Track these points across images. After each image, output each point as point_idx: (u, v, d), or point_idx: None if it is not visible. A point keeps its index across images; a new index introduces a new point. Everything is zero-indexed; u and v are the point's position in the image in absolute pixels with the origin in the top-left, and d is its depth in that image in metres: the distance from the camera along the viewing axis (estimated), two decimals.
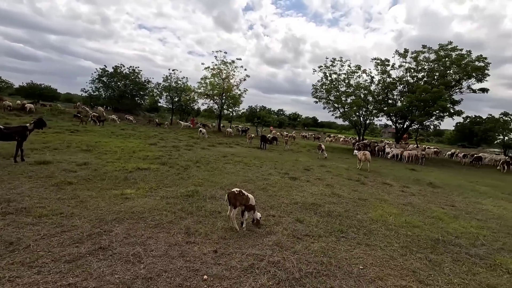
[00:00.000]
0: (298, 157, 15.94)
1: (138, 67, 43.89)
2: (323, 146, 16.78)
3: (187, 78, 37.04)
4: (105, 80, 42.15)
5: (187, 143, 16.82)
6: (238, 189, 4.56)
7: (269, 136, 22.89)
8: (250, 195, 4.71)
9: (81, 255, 3.31)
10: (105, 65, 43.96)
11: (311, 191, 7.77)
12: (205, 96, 32.73)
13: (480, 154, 22.55)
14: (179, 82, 36.45)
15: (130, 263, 3.27)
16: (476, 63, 21.57)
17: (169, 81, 36.26)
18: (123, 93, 42.97)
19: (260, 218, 4.84)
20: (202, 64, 32.40)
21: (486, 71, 21.64)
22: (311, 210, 6.01)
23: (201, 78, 31.67)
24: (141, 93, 44.19)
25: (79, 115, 28.45)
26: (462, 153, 23.54)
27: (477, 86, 23.21)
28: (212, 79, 31.40)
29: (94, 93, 42.38)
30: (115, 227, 4.18)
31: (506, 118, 24.94)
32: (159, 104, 47.51)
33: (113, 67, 42.50)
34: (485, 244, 4.95)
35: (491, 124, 28.09)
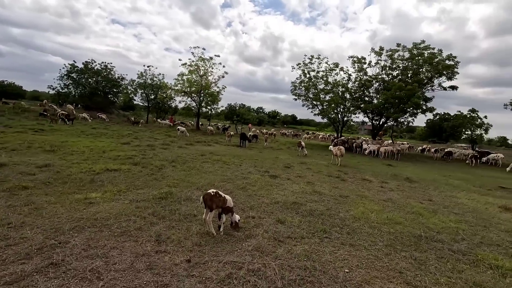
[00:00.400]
0: (278, 155, 15.75)
1: (111, 63, 41.70)
2: (303, 144, 16.71)
3: (163, 75, 35.86)
4: (74, 77, 39.85)
5: (163, 142, 16.12)
6: (214, 190, 4.20)
7: (250, 134, 22.59)
8: (227, 197, 4.36)
9: (26, 274, 2.81)
10: (74, 61, 41.56)
11: (292, 189, 7.54)
12: (183, 94, 31.81)
13: (450, 149, 23.59)
14: (155, 79, 35.18)
15: (86, 280, 2.81)
16: (447, 61, 22.50)
17: (144, 77, 34.89)
18: (94, 90, 40.82)
19: (239, 220, 4.51)
20: (179, 60, 31.37)
21: (456, 69, 22.64)
22: (293, 209, 5.76)
23: (178, 75, 30.74)
24: (115, 90, 42.25)
25: (45, 113, 26.68)
26: (434, 148, 24.52)
27: (447, 84, 24.26)
28: (189, 76, 30.54)
29: (63, 90, 39.94)
30: (73, 237, 3.68)
31: (473, 115, 26.34)
32: (134, 102, 45.81)
33: (83, 63, 40.29)
34: (465, 239, 4.93)
35: (459, 121, 29.67)
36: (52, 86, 39.87)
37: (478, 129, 26.55)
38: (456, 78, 22.94)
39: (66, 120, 23.17)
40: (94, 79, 41.50)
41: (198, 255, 3.51)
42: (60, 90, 40.03)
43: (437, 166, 18.65)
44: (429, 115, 26.79)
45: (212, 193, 4.11)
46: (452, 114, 33.44)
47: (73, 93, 41.12)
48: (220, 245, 3.85)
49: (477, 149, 26.16)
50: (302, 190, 7.48)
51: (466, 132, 27.96)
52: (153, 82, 35.12)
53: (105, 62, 41.40)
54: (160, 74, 35.58)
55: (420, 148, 28.94)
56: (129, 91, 36.34)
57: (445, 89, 24.34)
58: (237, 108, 39.02)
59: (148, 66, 34.61)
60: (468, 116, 26.44)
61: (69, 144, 11.73)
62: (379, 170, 13.28)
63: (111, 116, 37.52)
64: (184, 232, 4.13)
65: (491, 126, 25.76)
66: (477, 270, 3.81)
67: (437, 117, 41.37)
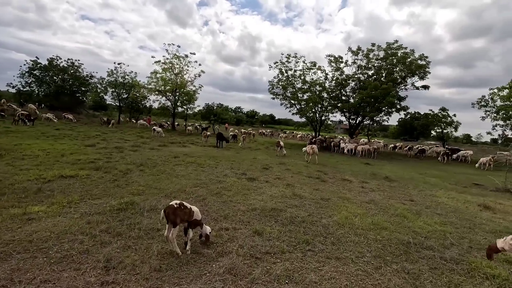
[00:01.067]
0: (256, 155, 15.22)
1: (79, 60, 39.17)
2: (281, 143, 16.30)
3: (136, 73, 34.12)
4: (37, 74, 37.02)
5: (133, 144, 15.04)
6: (178, 202, 3.54)
7: (230, 135, 21.88)
8: (194, 208, 3.72)
9: None
10: (36, 57, 38.70)
11: (270, 193, 7.01)
12: (156, 92, 30.46)
13: (423, 147, 24.31)
14: (126, 77, 33.38)
15: None
16: (419, 61, 23.10)
17: (114, 75, 32.99)
18: (60, 89, 38.19)
19: (210, 233, 3.89)
20: (153, 57, 29.95)
21: (427, 69, 23.31)
22: (272, 217, 5.22)
23: (151, 73, 29.36)
24: (83, 89, 39.76)
25: (2, 113, 24.45)
26: (408, 146, 25.16)
27: (420, 83, 24.97)
28: (163, 74, 29.27)
29: (25, 89, 36.94)
30: None
31: (444, 113, 27.36)
32: (107, 102, 43.28)
33: (47, 59, 37.48)
34: (454, 244, 4.63)
35: (431, 119, 30.77)
36: (11, 84, 36.79)
37: (449, 127, 27.65)
38: (428, 78, 23.69)
39: (26, 120, 21.32)
40: (60, 77, 38.86)
41: (156, 285, 2.85)
42: (21, 89, 37.03)
43: (412, 164, 19.01)
44: (402, 114, 27.36)
45: (176, 206, 3.46)
46: (422, 113, 34.82)
47: (37, 92, 38.21)
48: (185, 269, 3.20)
49: (447, 146, 27.19)
50: (282, 194, 6.97)
51: (437, 130, 28.99)
52: (125, 81, 33.34)
53: (72, 59, 38.84)
54: (132, 72, 33.93)
55: (391, 145, 29.74)
56: (99, 90, 34.11)
57: (417, 88, 25.06)
58: (214, 107, 38.12)
59: (119, 63, 32.81)
60: (439, 114, 27.43)
61: (23, 148, 10.46)
62: (358, 169, 13.13)
63: (79, 116, 35.21)
64: (141, 253, 3.44)
65: (460, 124, 26.95)
66: (474, 282, 3.46)
67: (408, 116, 43.10)
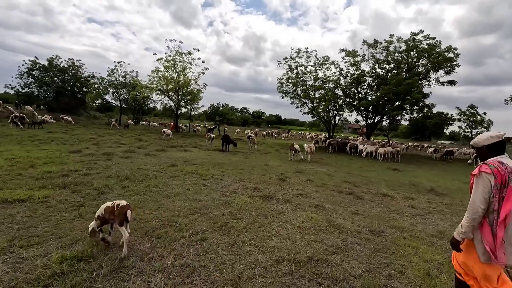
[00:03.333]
0: (268, 161, 13.23)
1: (80, 60, 37.88)
2: (296, 146, 14.26)
3: (137, 72, 32.43)
4: (37, 75, 35.69)
5: (128, 149, 13.20)
6: None
7: (250, 136, 19.99)
8: None
9: None
10: (36, 57, 37.44)
11: (297, 222, 5.01)
12: (159, 92, 28.71)
13: (451, 149, 21.94)
14: (127, 76, 31.72)
15: None
16: (446, 53, 20.73)
17: (114, 75, 31.35)
18: (60, 90, 36.82)
19: None
20: (154, 54, 28.17)
21: (455, 63, 20.93)
22: (309, 278, 3.21)
23: (152, 71, 27.56)
24: (84, 90, 38.32)
25: None
26: (434, 148, 22.78)
27: (444, 78, 22.59)
28: (165, 72, 27.48)
29: (23, 90, 35.63)
30: None
31: (473, 111, 24.88)
32: (110, 103, 41.56)
33: (47, 59, 36.18)
34: None
35: (444, 118, 28.51)
36: (10, 85, 35.53)
37: (479, 126, 25.10)
38: (456, 72, 21.27)
39: (19, 123, 19.82)
40: (60, 77, 37.52)
41: None
42: (20, 90, 35.74)
43: (444, 168, 16.72)
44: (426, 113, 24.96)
45: None
46: (434, 113, 32.22)
47: (36, 92, 36.90)
48: None
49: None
50: (313, 224, 4.95)
51: (466, 130, 26.44)
52: (126, 80, 31.67)
53: (73, 59, 37.49)
54: (133, 71, 32.19)
55: (431, 150, 27.40)
56: (99, 90, 32.49)
57: (442, 84, 22.66)
58: (220, 108, 36.29)
59: (119, 62, 31.14)
60: (467, 112, 24.97)
61: None
62: (389, 178, 11.01)
63: (79, 118, 33.69)
64: None
65: (492, 123, 24.44)
66: None
67: (420, 114, 40.48)
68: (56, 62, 36.33)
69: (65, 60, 37.10)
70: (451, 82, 22.41)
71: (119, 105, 33.72)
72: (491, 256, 2.22)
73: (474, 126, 25.37)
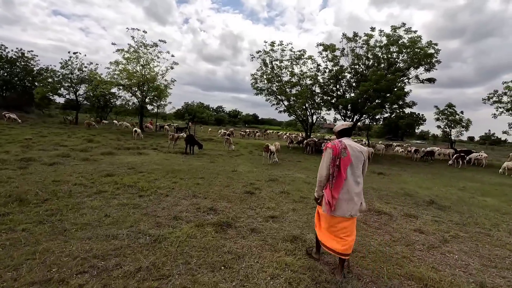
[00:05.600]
0: (237, 166, 11.23)
1: (32, 50, 33.64)
2: (271, 148, 12.37)
3: (97, 64, 29.01)
4: None
5: (62, 153, 10.60)
6: None
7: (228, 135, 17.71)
8: None
9: None
10: None
11: (262, 277, 3.05)
12: (121, 88, 25.75)
13: (431, 149, 21.15)
14: (84, 69, 28.24)
15: None
16: (426, 49, 19.76)
17: (69, 67, 27.79)
18: (7, 83, 32.50)
19: None
20: (113, 44, 25.23)
21: (436, 58, 20.05)
22: None
23: (111, 63, 24.56)
24: (37, 84, 34.07)
25: None
26: (414, 148, 21.88)
27: (424, 76, 21.74)
28: (126, 65, 24.58)
29: None
30: None
31: (451, 110, 24.41)
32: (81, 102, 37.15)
33: None
34: None
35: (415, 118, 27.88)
36: None
37: (458, 125, 24.68)
38: (436, 69, 20.41)
39: None
40: (8, 69, 33.12)
41: None
42: None
43: (429, 171, 15.58)
44: (409, 111, 24.16)
45: None
46: (406, 113, 31.92)
47: None
48: None
49: (455, 148, 24.18)
50: (289, 279, 3.01)
51: (445, 129, 25.93)
52: (83, 74, 28.20)
53: (22, 49, 33.25)
54: (91, 63, 28.74)
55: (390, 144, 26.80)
56: (52, 85, 28.65)
57: (422, 81, 21.81)
58: (194, 106, 33.72)
59: (74, 53, 27.56)
60: (445, 111, 24.50)
61: None
62: (378, 186, 9.38)
63: (28, 116, 29.74)
64: None
65: (471, 123, 24.08)
66: None
67: (393, 115, 40.40)
68: (2, 53, 31.97)
69: (12, 50, 32.83)
70: (431, 80, 21.60)
71: (76, 102, 30.07)
72: (328, 208, 3.01)
73: (453, 125, 24.97)
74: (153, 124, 29.31)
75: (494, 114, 21.99)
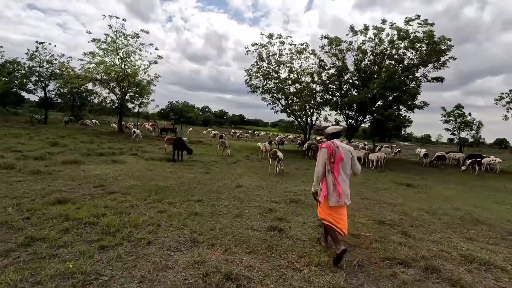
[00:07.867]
0: (239, 177, 8.92)
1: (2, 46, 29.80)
2: (280, 154, 10.11)
3: (70, 57, 25.78)
4: None
5: (6, 161, 7.92)
6: None
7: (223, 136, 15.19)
8: None
9: None
10: None
11: None
12: (97, 83, 22.75)
13: (442, 153, 19.56)
14: (54, 62, 24.92)
15: None
16: (441, 45, 18.08)
17: (37, 59, 24.44)
18: None
19: None
20: (88, 33, 22.15)
21: (448, 56, 18.42)
22: None
23: (84, 54, 21.50)
24: (3, 79, 30.27)
25: None
26: (424, 153, 20.22)
27: (433, 74, 20.11)
28: (102, 56, 21.65)
29: None
30: None
31: (459, 111, 23.05)
32: (55, 99, 33.27)
33: None
34: None
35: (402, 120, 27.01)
36: None
37: (467, 128, 23.31)
38: (448, 67, 18.78)
39: None
40: None
41: None
42: None
43: (451, 179, 13.79)
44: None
45: None
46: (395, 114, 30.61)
47: None
48: None
49: (463, 153, 22.74)
50: None
51: (454, 132, 24.53)
52: (52, 67, 24.88)
53: None
54: (63, 55, 25.45)
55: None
56: (15, 79, 25.14)
57: (429, 81, 20.17)
58: (179, 105, 30.98)
59: (41, 43, 24.21)
60: (453, 113, 23.15)
61: None
62: (426, 206, 7.34)
63: None
64: None
65: (483, 126, 22.79)
66: None
67: (381, 116, 39.24)
68: None
69: None
70: (439, 79, 19.99)
71: (44, 98, 26.64)
72: (323, 199, 3.54)
73: (463, 128, 23.57)
74: (156, 126, 25.80)
75: (505, 116, 20.71)
